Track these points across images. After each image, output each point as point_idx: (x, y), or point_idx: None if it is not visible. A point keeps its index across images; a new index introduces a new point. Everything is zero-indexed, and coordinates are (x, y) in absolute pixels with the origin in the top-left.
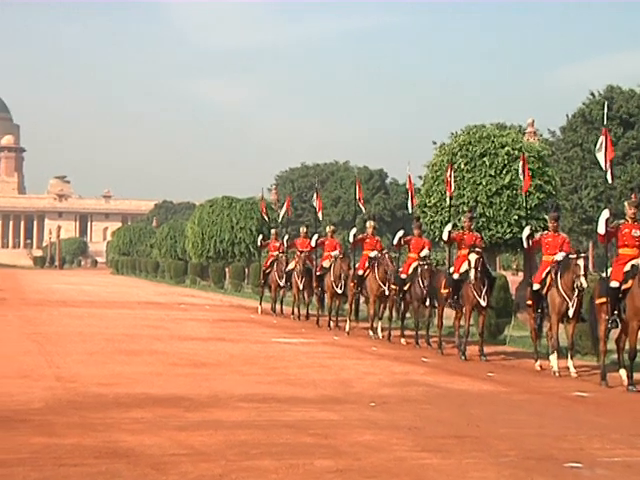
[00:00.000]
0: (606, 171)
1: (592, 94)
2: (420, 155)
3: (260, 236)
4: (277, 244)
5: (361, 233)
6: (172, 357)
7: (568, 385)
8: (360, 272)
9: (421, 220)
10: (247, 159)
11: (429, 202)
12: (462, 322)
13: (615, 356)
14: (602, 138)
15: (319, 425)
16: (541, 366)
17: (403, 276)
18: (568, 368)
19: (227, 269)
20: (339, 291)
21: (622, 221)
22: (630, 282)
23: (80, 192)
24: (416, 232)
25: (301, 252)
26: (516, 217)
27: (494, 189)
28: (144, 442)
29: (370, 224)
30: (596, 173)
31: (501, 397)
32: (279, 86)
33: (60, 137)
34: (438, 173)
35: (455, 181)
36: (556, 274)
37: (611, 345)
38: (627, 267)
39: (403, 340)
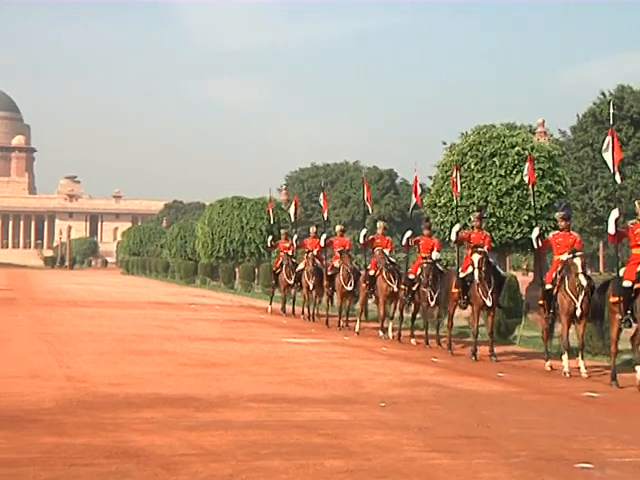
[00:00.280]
0: (614, 173)
1: (603, 94)
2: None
3: (270, 237)
4: (287, 244)
5: (371, 234)
6: (182, 357)
7: (579, 385)
8: (371, 272)
9: (431, 220)
10: (257, 159)
11: (439, 202)
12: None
13: (626, 356)
14: (608, 138)
15: (329, 425)
16: (551, 366)
17: (411, 276)
18: (579, 368)
19: (237, 269)
20: (348, 288)
21: (634, 221)
22: None
23: (90, 192)
24: (426, 232)
25: (308, 252)
26: (526, 217)
27: (504, 189)
28: (154, 442)
29: (381, 224)
30: (607, 173)
31: (511, 397)
32: (289, 86)
33: (70, 137)
34: (448, 173)
35: (465, 181)
36: (562, 275)
37: (622, 345)
38: None
39: (413, 340)
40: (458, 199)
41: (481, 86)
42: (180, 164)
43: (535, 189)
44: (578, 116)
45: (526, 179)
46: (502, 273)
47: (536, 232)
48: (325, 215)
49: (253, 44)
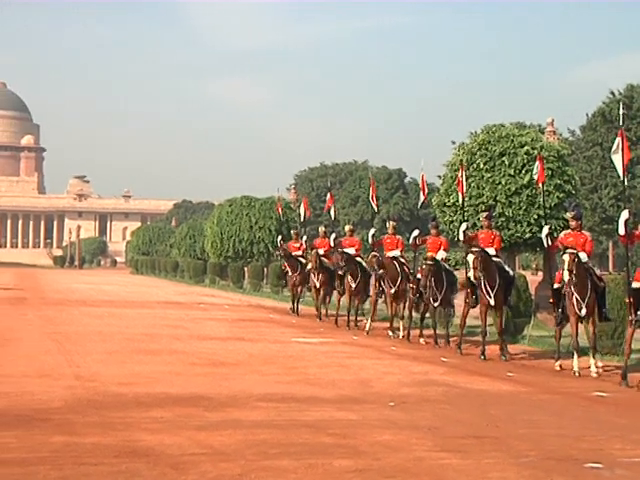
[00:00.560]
0: (623, 176)
1: (612, 93)
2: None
3: (279, 237)
4: (297, 244)
5: (380, 233)
6: (191, 357)
7: (588, 385)
8: (380, 272)
9: (440, 219)
10: (266, 159)
11: (448, 202)
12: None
13: (637, 356)
14: (618, 139)
15: (338, 425)
16: (561, 366)
17: (419, 276)
18: (590, 367)
19: (246, 269)
20: (353, 285)
21: None
22: None
23: (99, 192)
24: (433, 232)
25: (312, 249)
26: (535, 216)
27: (513, 188)
28: (164, 441)
29: (391, 224)
30: (616, 173)
31: (521, 397)
32: (297, 86)
33: (80, 137)
34: (457, 173)
35: (474, 180)
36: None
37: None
38: None
39: (422, 340)
40: (466, 198)
41: (490, 85)
42: (189, 164)
43: (544, 188)
44: (587, 115)
45: (536, 178)
46: (510, 272)
47: (545, 231)
48: (332, 214)
49: (260, 44)
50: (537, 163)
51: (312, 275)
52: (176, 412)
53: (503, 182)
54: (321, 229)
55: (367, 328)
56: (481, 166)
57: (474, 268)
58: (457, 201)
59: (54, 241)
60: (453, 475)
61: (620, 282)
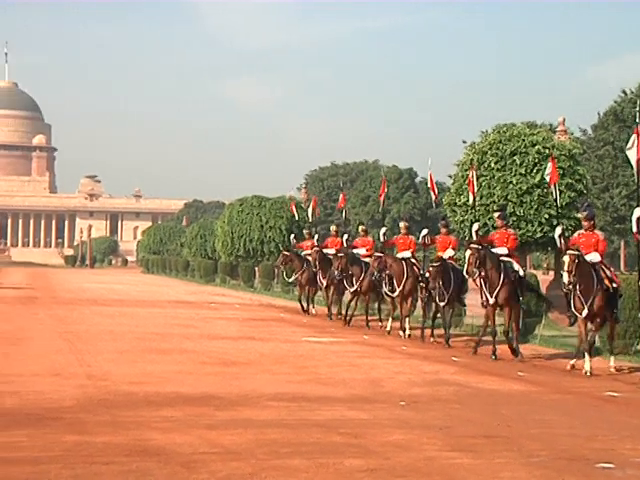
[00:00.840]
0: (638, 172)
1: (624, 92)
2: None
3: (292, 236)
4: (309, 243)
5: (391, 232)
6: (202, 356)
7: (600, 385)
8: (379, 275)
9: (450, 219)
10: (277, 158)
11: (459, 201)
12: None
13: None
14: (634, 137)
15: (349, 424)
16: (574, 365)
17: (427, 275)
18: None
19: (257, 268)
20: (351, 289)
21: None
22: None
23: (110, 191)
24: (443, 231)
25: (313, 247)
26: (547, 216)
27: (524, 188)
28: (174, 440)
29: (403, 224)
30: (628, 172)
31: (532, 397)
32: (307, 85)
33: (91, 136)
34: (468, 172)
35: (485, 180)
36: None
37: None
38: None
39: (433, 339)
40: (477, 198)
41: (502, 85)
42: (200, 163)
43: (557, 187)
44: (599, 114)
45: (548, 178)
46: (520, 272)
47: (558, 231)
48: (344, 214)
49: (271, 43)
50: (550, 164)
51: (319, 275)
52: (187, 411)
53: (514, 181)
54: (332, 228)
55: (387, 328)
56: (492, 165)
57: (469, 264)
58: (468, 201)
59: (65, 240)
60: (464, 475)
61: (632, 282)
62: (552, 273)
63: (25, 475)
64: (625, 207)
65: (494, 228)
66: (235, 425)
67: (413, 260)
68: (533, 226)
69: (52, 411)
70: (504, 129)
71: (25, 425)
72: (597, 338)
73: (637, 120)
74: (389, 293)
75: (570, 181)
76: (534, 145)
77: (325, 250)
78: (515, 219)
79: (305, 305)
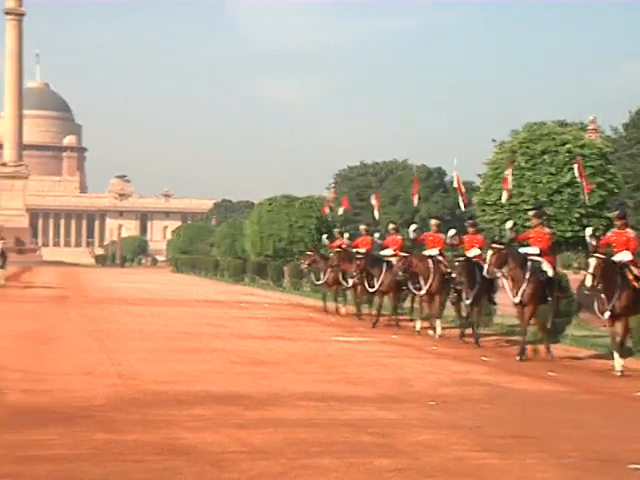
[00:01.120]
0: None
1: None
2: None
3: (324, 236)
4: (339, 243)
5: (420, 230)
6: (232, 355)
7: (631, 385)
8: (403, 275)
9: (479, 218)
10: (306, 158)
11: (488, 200)
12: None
13: None
14: None
15: (378, 424)
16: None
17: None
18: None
19: (286, 268)
20: (370, 290)
21: None
22: None
23: (140, 191)
24: (470, 230)
25: (353, 248)
26: (577, 215)
27: (555, 187)
28: (204, 439)
29: (434, 222)
30: None
31: (562, 397)
32: (338, 85)
33: (121, 136)
34: (497, 171)
35: (515, 179)
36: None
37: None
38: None
39: (463, 339)
40: (508, 197)
41: (533, 84)
42: (229, 163)
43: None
44: (630, 113)
45: (579, 179)
46: (549, 272)
47: (589, 232)
48: (377, 214)
49: (302, 43)
50: (576, 167)
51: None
52: (217, 410)
53: (544, 181)
54: (362, 228)
55: (417, 328)
56: (522, 164)
57: (489, 264)
58: (498, 200)
59: (96, 240)
60: (494, 475)
61: None
62: (583, 272)
63: (56, 473)
64: None
65: (524, 227)
66: (265, 424)
67: (440, 258)
68: (564, 225)
69: (83, 409)
70: (534, 128)
71: (56, 423)
72: (628, 338)
73: None
74: (416, 292)
75: (601, 180)
76: (564, 144)
77: (386, 251)
78: (545, 218)
79: (329, 305)
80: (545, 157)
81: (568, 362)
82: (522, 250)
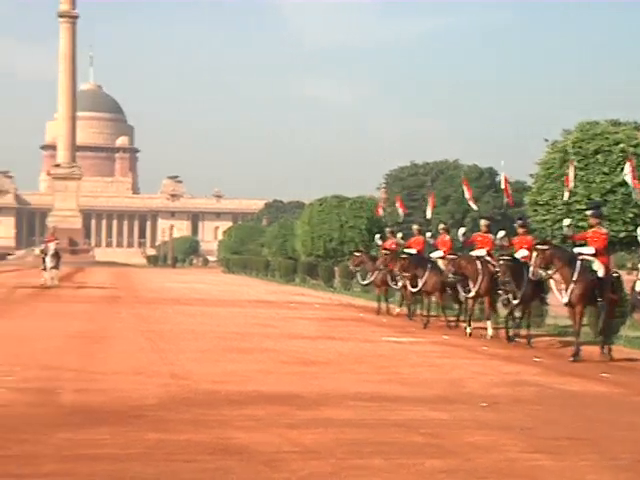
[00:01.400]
0: None
1: None
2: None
3: (377, 236)
4: (389, 243)
5: (471, 232)
6: (282, 355)
7: None
8: (452, 277)
9: (531, 218)
10: (357, 158)
11: (540, 200)
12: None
13: None
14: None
15: (429, 425)
16: None
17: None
18: None
19: (336, 268)
20: (413, 290)
21: None
22: None
23: (192, 192)
24: (520, 231)
25: (384, 250)
26: (631, 215)
27: (608, 187)
28: (256, 439)
29: (483, 223)
30: None
31: (616, 399)
32: (387, 85)
33: (172, 137)
34: (550, 171)
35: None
36: None
37: None
38: None
39: (515, 340)
40: (558, 197)
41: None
42: (279, 163)
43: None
44: None
45: (627, 178)
46: (599, 272)
47: None
48: (429, 214)
49: (352, 42)
50: (628, 164)
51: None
52: (268, 410)
53: (597, 180)
54: (415, 228)
55: (468, 330)
56: (575, 164)
57: (534, 265)
58: (550, 200)
59: (147, 240)
60: (547, 477)
61: None
62: (635, 274)
63: (107, 472)
64: None
65: (577, 227)
66: (316, 424)
67: (488, 258)
68: (617, 225)
69: (135, 409)
70: (587, 127)
71: (108, 423)
72: None
73: None
74: (465, 294)
75: None
76: (618, 143)
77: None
78: (603, 218)
79: (382, 306)
80: (598, 157)
81: (622, 363)
82: (576, 250)
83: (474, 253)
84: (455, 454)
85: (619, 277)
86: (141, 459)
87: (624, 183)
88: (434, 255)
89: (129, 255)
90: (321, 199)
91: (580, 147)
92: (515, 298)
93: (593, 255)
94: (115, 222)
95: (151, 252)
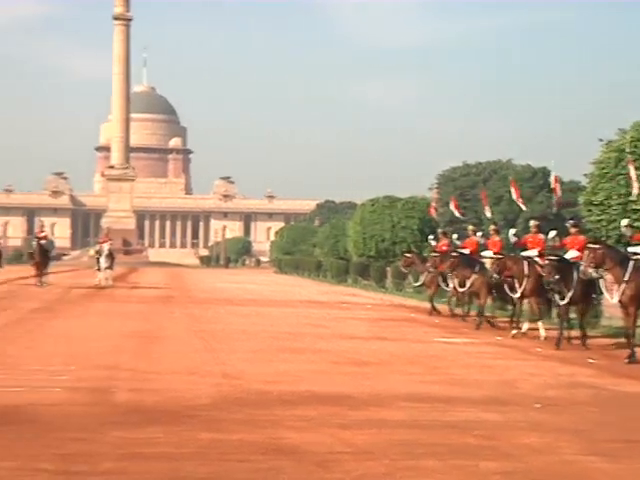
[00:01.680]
0: None
1: None
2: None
3: (431, 237)
4: (441, 243)
5: (523, 232)
6: (334, 355)
7: None
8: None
9: (586, 219)
10: (408, 158)
11: (595, 200)
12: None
13: None
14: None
15: (483, 426)
16: None
17: (557, 276)
18: None
19: (388, 268)
20: (460, 290)
21: None
22: None
23: (244, 192)
24: (572, 231)
25: (433, 252)
26: None
27: None
28: (308, 439)
29: (532, 224)
30: None
31: None
32: (439, 85)
33: (225, 139)
34: (605, 170)
35: (623, 178)
36: None
37: None
38: None
39: (567, 341)
40: (613, 197)
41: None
42: (331, 164)
43: None
44: None
45: None
46: None
47: None
48: (488, 213)
49: (402, 43)
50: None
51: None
52: (320, 410)
53: None
54: (470, 228)
55: (523, 330)
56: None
57: (586, 265)
58: (605, 199)
59: (200, 241)
60: (603, 479)
61: None
62: None
63: (161, 471)
64: None
65: (633, 228)
66: (368, 425)
67: (537, 259)
68: None
69: (188, 408)
70: None
71: (162, 422)
72: None
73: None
74: (511, 294)
75: None
76: None
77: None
78: None
79: (433, 306)
80: None
81: None
82: (630, 249)
83: (525, 254)
84: (509, 456)
85: None
86: (194, 458)
87: None
88: (484, 255)
89: (182, 255)
90: (373, 199)
91: (636, 147)
92: (563, 299)
93: None
94: (168, 223)
95: (204, 252)
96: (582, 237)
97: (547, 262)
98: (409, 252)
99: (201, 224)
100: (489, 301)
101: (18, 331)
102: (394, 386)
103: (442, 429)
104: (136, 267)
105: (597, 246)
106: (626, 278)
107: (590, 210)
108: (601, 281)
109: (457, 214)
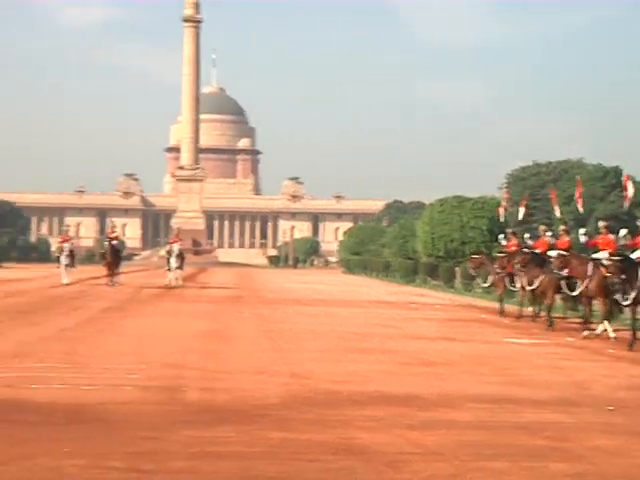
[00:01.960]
0: None
1: None
2: None
3: (501, 236)
4: (511, 243)
5: (595, 232)
6: (403, 356)
7: None
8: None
9: None
10: (478, 158)
11: None
12: None
13: None
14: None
15: (553, 427)
16: None
17: (623, 276)
18: None
19: (457, 269)
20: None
21: None
22: None
23: (312, 193)
24: None
25: (499, 253)
26: None
27: None
28: (377, 440)
29: (602, 224)
30: None
31: None
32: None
33: (294, 139)
34: None
35: None
36: None
37: None
38: None
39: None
40: None
41: None
42: (400, 164)
43: None
44: None
45: None
46: None
47: None
48: (557, 212)
49: (471, 42)
50: None
51: (518, 275)
52: (389, 411)
53: None
54: (541, 228)
55: (597, 331)
56: None
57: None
58: None
59: (269, 241)
60: None
61: None
62: None
63: (231, 470)
64: None
65: None
66: (437, 425)
67: (605, 261)
68: None
69: (258, 408)
70: None
71: (233, 421)
72: None
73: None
74: (568, 292)
75: None
76: None
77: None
78: None
79: (505, 307)
80: None
81: None
82: (595, 255)
83: (596, 256)
84: (581, 458)
85: None
86: (265, 457)
87: None
88: (550, 254)
89: (251, 256)
90: (442, 199)
91: None
92: (626, 299)
93: None
94: (237, 223)
95: (272, 253)
96: None
97: (610, 263)
98: (477, 253)
99: (269, 224)
100: (560, 301)
101: (89, 330)
102: (462, 387)
103: (511, 430)
104: (205, 267)
105: None
106: None
107: None
108: None
109: (521, 216)
